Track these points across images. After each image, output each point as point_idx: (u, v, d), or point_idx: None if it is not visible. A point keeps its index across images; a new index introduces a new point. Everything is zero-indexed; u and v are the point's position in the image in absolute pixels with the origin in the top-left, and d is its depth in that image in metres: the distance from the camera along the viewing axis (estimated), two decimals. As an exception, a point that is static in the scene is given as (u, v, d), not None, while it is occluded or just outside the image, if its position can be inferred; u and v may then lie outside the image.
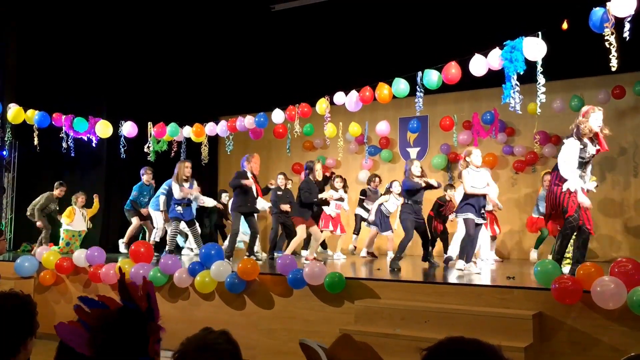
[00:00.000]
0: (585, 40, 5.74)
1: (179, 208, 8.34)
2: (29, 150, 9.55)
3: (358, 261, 8.43)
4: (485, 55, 6.12)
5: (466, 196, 6.44)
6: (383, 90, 7.23)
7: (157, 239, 9.11)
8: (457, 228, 7.97)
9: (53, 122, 8.98)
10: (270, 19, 10.26)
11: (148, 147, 9.35)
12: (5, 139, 9.50)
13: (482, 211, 6.47)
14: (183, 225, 8.87)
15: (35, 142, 8.77)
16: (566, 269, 5.54)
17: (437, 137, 10.25)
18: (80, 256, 7.33)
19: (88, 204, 9.41)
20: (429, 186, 7.15)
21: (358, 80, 7.71)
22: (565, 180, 5.39)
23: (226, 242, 8.84)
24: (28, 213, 9.28)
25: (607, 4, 5.05)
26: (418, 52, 8.86)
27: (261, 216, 11.37)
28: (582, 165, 5.45)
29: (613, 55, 5.09)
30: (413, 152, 10.44)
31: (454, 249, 7.73)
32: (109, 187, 10.29)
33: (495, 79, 6.28)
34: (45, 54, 10.17)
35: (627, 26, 5.00)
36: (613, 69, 5.14)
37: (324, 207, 8.86)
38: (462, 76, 6.52)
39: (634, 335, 4.45)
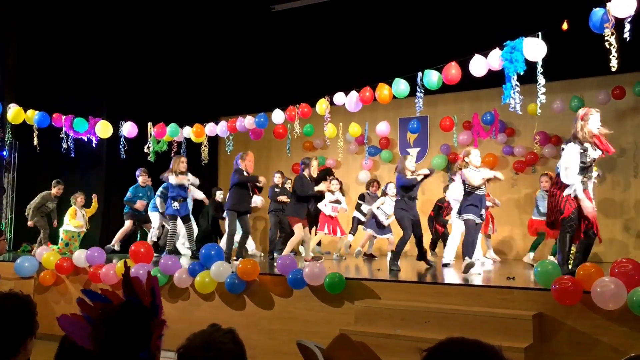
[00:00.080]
0: (585, 40, 5.74)
1: (175, 204, 8.36)
2: (29, 151, 9.55)
3: (358, 262, 8.42)
4: (486, 55, 6.12)
5: (468, 197, 6.34)
6: (383, 91, 7.22)
7: (154, 239, 9.11)
8: (452, 230, 7.92)
9: (53, 123, 8.98)
10: (271, 19, 10.27)
11: (148, 147, 9.36)
12: (6, 139, 9.50)
13: (482, 212, 6.44)
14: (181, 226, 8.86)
15: (35, 142, 8.78)
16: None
17: (437, 138, 10.25)
18: (80, 256, 7.34)
19: (87, 204, 9.42)
20: (424, 177, 7.09)
21: (358, 80, 7.71)
22: (567, 185, 5.36)
23: (222, 242, 8.80)
24: (26, 213, 9.29)
25: (607, 4, 5.05)
26: (418, 53, 8.86)
27: (261, 217, 11.40)
28: (584, 169, 5.41)
29: (613, 56, 5.09)
30: (413, 152, 10.44)
31: (449, 253, 7.68)
32: (109, 187, 10.29)
33: (495, 79, 6.28)
34: (45, 54, 10.18)
35: (627, 27, 5.00)
36: (613, 70, 5.14)
37: (322, 208, 8.83)
38: (462, 76, 6.52)
39: (634, 335, 4.45)
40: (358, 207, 9.46)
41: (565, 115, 8.57)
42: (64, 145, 9.02)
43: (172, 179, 8.29)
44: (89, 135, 9.17)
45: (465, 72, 6.39)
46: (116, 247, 9.05)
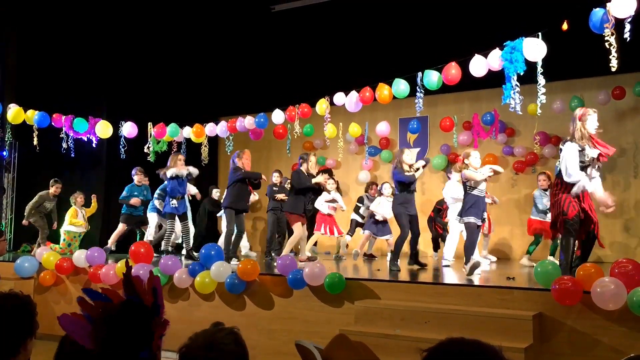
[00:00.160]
0: (585, 41, 5.73)
1: (174, 202, 8.38)
2: (29, 151, 9.55)
3: (358, 262, 8.42)
4: (486, 55, 6.12)
5: (469, 198, 6.29)
6: (383, 91, 7.22)
7: (150, 238, 9.07)
8: (450, 230, 7.89)
9: (53, 123, 8.98)
10: (271, 19, 10.27)
11: (148, 147, 9.35)
12: (6, 139, 9.50)
13: (484, 214, 6.43)
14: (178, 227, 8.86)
15: (35, 142, 8.78)
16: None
17: (437, 138, 10.24)
18: (80, 257, 7.34)
19: (86, 204, 9.42)
20: (423, 168, 7.05)
21: (358, 80, 7.71)
22: (570, 185, 5.35)
23: (220, 241, 8.76)
24: (25, 213, 9.30)
25: (607, 4, 5.05)
26: (418, 53, 8.85)
27: (260, 217, 11.40)
28: (583, 169, 5.42)
29: (613, 56, 5.08)
30: (413, 152, 10.42)
31: (448, 254, 7.65)
32: (109, 187, 10.29)
33: (495, 79, 6.27)
34: (45, 54, 10.18)
35: (628, 27, 5.00)
36: (613, 70, 5.13)
37: (319, 207, 8.81)
38: (462, 77, 6.51)
39: (634, 336, 4.45)
40: (356, 210, 9.45)
41: (565, 115, 8.56)
42: (64, 145, 9.01)
43: (171, 170, 8.31)
44: (89, 136, 9.17)
45: (465, 72, 6.38)
46: (112, 247, 9.03)
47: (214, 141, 10.07)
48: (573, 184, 5.35)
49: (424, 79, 6.75)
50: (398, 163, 6.96)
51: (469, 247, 6.27)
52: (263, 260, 8.61)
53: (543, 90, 5.67)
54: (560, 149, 5.52)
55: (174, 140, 9.50)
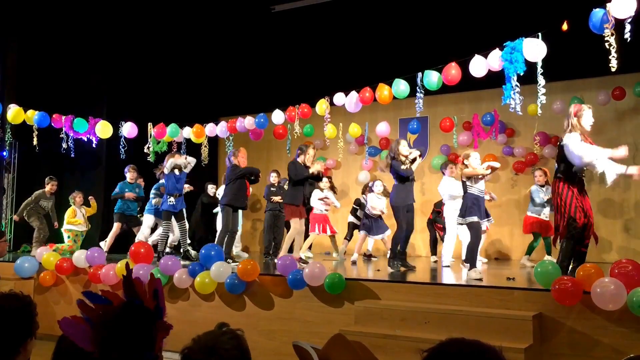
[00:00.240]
0: (585, 41, 5.73)
1: (171, 199, 8.38)
2: (29, 151, 9.55)
3: (358, 262, 8.41)
4: (485, 56, 6.12)
5: (469, 198, 6.23)
6: (383, 91, 7.22)
7: (142, 238, 8.96)
8: (448, 232, 7.85)
9: (53, 123, 8.98)
10: (271, 19, 10.27)
11: (148, 147, 9.36)
12: (6, 139, 9.50)
13: (485, 212, 6.40)
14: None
15: (35, 142, 8.77)
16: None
17: (437, 138, 10.25)
18: (80, 257, 7.34)
19: (86, 203, 9.42)
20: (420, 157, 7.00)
21: (358, 81, 7.71)
22: (574, 184, 5.34)
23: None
24: (25, 214, 9.29)
25: (607, 5, 5.05)
26: (418, 53, 8.85)
27: (260, 219, 11.39)
28: (581, 168, 5.43)
29: (613, 57, 5.08)
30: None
31: (447, 254, 7.63)
32: (109, 187, 10.24)
33: (495, 80, 6.27)
34: (45, 54, 10.18)
35: (628, 27, 5.00)
36: (613, 70, 5.14)
37: (314, 204, 8.77)
38: (462, 77, 6.51)
39: (634, 336, 4.45)
40: (354, 212, 9.42)
41: (565, 115, 8.55)
42: (64, 145, 9.02)
43: (169, 162, 8.33)
44: (89, 136, 9.17)
45: (465, 72, 6.38)
46: (106, 249, 8.96)
47: (214, 141, 10.07)
48: (578, 183, 5.34)
49: (424, 79, 6.75)
50: (396, 154, 6.84)
51: (473, 248, 6.19)
52: (263, 260, 8.60)
53: (543, 90, 5.68)
54: (560, 145, 5.51)
55: (174, 141, 9.50)
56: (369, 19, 9.77)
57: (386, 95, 7.21)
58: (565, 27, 5.56)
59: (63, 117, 8.99)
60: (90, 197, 9.47)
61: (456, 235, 7.83)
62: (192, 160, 8.74)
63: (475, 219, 6.13)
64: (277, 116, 8.63)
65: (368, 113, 9.37)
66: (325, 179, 8.98)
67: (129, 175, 9.18)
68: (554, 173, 5.63)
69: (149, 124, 9.37)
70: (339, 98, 7.71)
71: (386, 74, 7.38)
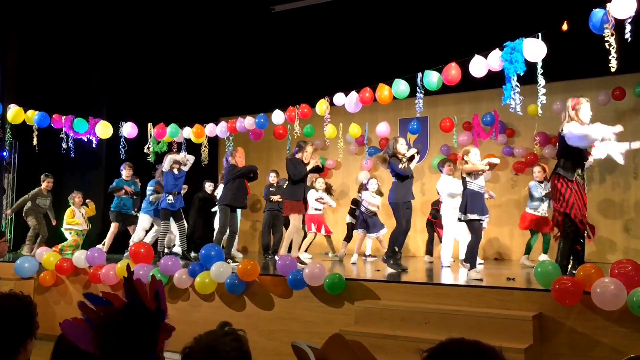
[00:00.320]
0: (585, 41, 5.74)
1: (170, 197, 8.37)
2: (29, 151, 9.55)
3: (358, 262, 8.41)
4: (485, 56, 6.11)
5: (469, 194, 6.16)
6: (383, 91, 7.22)
7: (136, 240, 8.93)
8: (445, 231, 7.82)
9: (52, 123, 8.98)
10: (271, 20, 10.27)
11: (148, 148, 9.35)
12: (6, 139, 9.50)
13: (485, 208, 6.37)
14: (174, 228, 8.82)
15: (35, 142, 8.77)
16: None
17: (437, 138, 10.25)
18: (80, 257, 7.34)
19: (85, 204, 9.42)
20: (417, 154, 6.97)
21: (358, 81, 7.71)
22: (567, 177, 5.35)
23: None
24: (23, 213, 9.29)
25: (607, 5, 5.05)
26: (418, 53, 8.85)
27: (260, 217, 11.39)
28: (579, 161, 5.43)
29: (613, 57, 5.08)
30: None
31: (446, 255, 7.60)
32: (109, 187, 10.28)
33: (495, 80, 6.27)
34: (45, 54, 10.18)
35: (628, 27, 5.00)
36: (613, 70, 5.14)
37: (311, 203, 8.77)
38: (462, 77, 6.51)
39: (634, 336, 4.45)
40: (352, 213, 9.41)
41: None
42: (64, 145, 9.02)
43: (168, 158, 8.34)
44: (88, 136, 9.17)
45: (465, 72, 6.38)
46: (105, 249, 8.96)
47: (214, 142, 10.07)
48: (577, 180, 5.35)
49: (424, 79, 6.75)
50: (394, 153, 6.80)
51: (473, 248, 6.15)
52: (262, 260, 8.60)
53: (543, 90, 5.67)
54: (560, 136, 5.50)
55: (174, 141, 9.49)
56: (369, 19, 9.78)
57: (386, 95, 7.21)
58: (565, 27, 5.56)
59: (63, 117, 8.99)
60: (87, 201, 9.46)
61: (454, 235, 7.78)
62: (190, 158, 8.74)
63: (475, 216, 6.06)
64: (277, 116, 8.63)
65: (368, 113, 9.37)
66: (320, 180, 8.99)
67: (125, 172, 9.19)
68: (554, 169, 5.63)
69: (149, 124, 9.36)
70: (339, 98, 7.71)
71: (386, 74, 7.38)
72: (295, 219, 7.40)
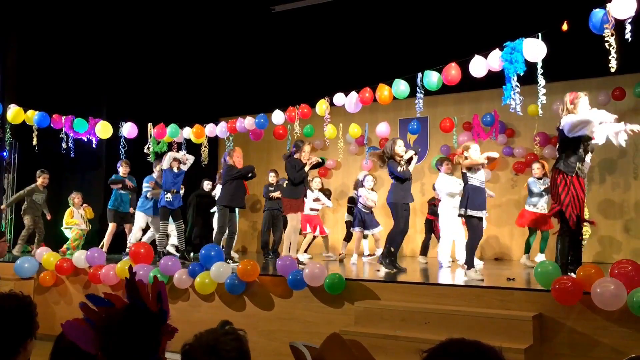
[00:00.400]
0: (585, 41, 5.74)
1: (169, 195, 8.33)
2: (29, 151, 9.55)
3: (358, 262, 8.41)
4: (485, 56, 6.11)
5: (469, 189, 6.08)
6: (383, 92, 7.22)
7: (133, 241, 8.87)
8: (443, 232, 7.78)
9: (52, 124, 8.98)
10: (271, 20, 10.27)
11: (148, 148, 9.36)
12: (6, 139, 9.50)
13: (485, 211, 6.36)
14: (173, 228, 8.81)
15: (34, 142, 8.77)
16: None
17: (437, 139, 10.24)
18: (80, 257, 7.33)
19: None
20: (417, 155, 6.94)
21: (358, 81, 7.71)
22: (565, 171, 5.36)
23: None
24: (22, 211, 9.29)
25: (607, 5, 5.05)
26: (418, 53, 8.86)
27: (260, 217, 11.39)
28: (578, 155, 5.44)
29: (613, 57, 5.08)
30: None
31: (445, 255, 7.57)
32: (109, 188, 10.25)
33: (495, 80, 6.27)
34: (45, 54, 10.18)
35: (628, 27, 5.00)
36: (612, 70, 5.14)
37: (307, 203, 8.77)
38: (462, 77, 6.51)
39: (634, 336, 4.45)
40: (350, 211, 9.39)
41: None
42: (64, 145, 9.02)
43: (168, 155, 8.33)
44: (88, 136, 9.17)
45: (465, 72, 6.38)
46: (104, 249, 8.94)
47: (214, 142, 10.08)
48: (576, 175, 5.35)
49: (424, 79, 6.75)
50: (392, 154, 6.74)
51: (472, 247, 6.11)
52: (262, 260, 8.60)
53: (543, 90, 5.67)
54: (559, 130, 5.50)
55: (174, 141, 9.50)
56: (369, 20, 9.78)
57: (386, 95, 7.21)
58: (565, 27, 5.56)
59: (63, 117, 8.99)
60: (84, 206, 9.46)
61: (452, 235, 7.72)
62: (190, 158, 8.74)
63: (475, 212, 6.00)
64: (277, 116, 8.63)
65: (368, 113, 9.37)
66: (317, 180, 8.98)
67: (122, 169, 9.19)
68: (554, 163, 5.63)
69: (149, 124, 9.37)
70: (339, 98, 7.71)
71: (386, 74, 7.38)
72: (293, 219, 7.38)
